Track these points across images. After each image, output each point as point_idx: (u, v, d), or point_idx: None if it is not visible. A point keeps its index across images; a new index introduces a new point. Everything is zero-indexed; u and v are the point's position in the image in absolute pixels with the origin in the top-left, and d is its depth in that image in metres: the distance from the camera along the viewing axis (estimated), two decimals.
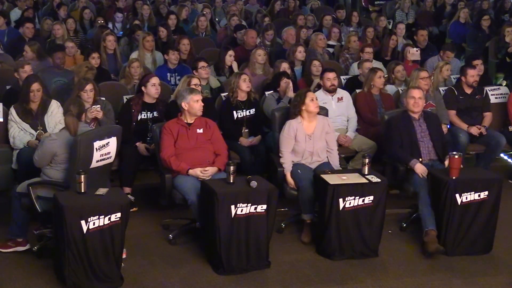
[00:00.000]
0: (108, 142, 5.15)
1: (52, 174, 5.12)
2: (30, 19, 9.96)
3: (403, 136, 5.82)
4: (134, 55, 8.42)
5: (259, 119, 6.71)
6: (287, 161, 5.62)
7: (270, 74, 7.68)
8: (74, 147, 4.96)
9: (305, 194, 5.46)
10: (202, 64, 7.06)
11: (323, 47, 8.94)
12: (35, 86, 5.94)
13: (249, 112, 6.63)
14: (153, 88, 6.29)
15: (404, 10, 12.20)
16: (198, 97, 5.57)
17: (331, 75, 6.73)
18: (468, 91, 7.02)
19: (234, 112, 6.57)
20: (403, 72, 7.53)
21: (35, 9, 11.88)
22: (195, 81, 6.31)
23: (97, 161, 5.11)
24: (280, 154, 5.67)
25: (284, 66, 7.32)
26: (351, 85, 7.53)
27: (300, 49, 8.11)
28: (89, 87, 6.06)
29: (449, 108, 6.93)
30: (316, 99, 5.70)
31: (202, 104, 5.59)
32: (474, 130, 6.82)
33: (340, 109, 6.75)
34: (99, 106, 6.08)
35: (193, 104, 5.54)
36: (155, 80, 6.34)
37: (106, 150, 5.14)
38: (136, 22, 10.10)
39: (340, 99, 6.79)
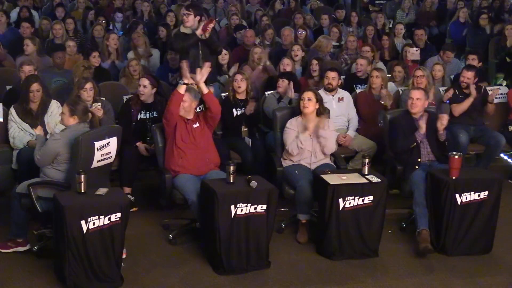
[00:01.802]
0: (109, 142, 5.16)
1: (52, 174, 5.12)
2: (28, 18, 9.96)
3: (406, 134, 5.83)
4: (130, 54, 8.49)
5: (257, 116, 6.75)
6: (292, 146, 5.66)
7: (269, 73, 7.70)
8: (75, 147, 4.97)
9: (302, 194, 5.46)
10: (182, 11, 7.07)
11: (327, 51, 8.92)
12: (35, 86, 5.94)
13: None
14: (141, 90, 6.30)
15: (405, 10, 12.21)
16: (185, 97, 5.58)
17: (331, 74, 6.75)
18: (467, 90, 7.01)
19: (234, 109, 6.61)
20: (401, 72, 7.53)
21: (35, 9, 11.88)
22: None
23: (98, 161, 5.12)
24: (286, 148, 5.70)
25: (285, 63, 7.32)
26: (349, 82, 7.55)
27: (297, 47, 8.07)
28: (88, 85, 6.06)
29: (451, 103, 6.93)
30: (309, 100, 5.70)
31: (187, 105, 5.57)
32: (472, 90, 6.80)
33: (341, 109, 6.75)
34: (99, 104, 6.09)
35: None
36: (143, 81, 6.34)
37: (106, 150, 5.16)
38: (134, 20, 10.14)
39: (341, 99, 6.80)
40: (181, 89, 5.49)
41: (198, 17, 7.03)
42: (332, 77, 6.72)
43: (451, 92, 6.88)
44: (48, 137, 5.48)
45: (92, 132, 5.17)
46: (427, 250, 5.26)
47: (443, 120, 5.78)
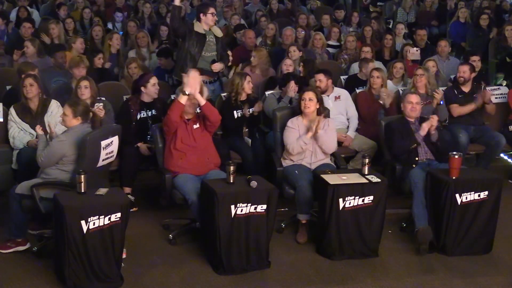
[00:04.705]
0: (112, 141, 5.21)
1: (57, 174, 5.08)
2: (28, 18, 9.97)
3: (403, 136, 5.85)
4: (131, 53, 8.50)
5: (258, 117, 6.73)
6: (294, 146, 5.64)
7: (269, 73, 7.68)
8: (83, 146, 4.98)
9: (302, 194, 5.46)
10: (212, 10, 7.13)
11: (321, 47, 8.92)
12: (28, 81, 5.93)
13: (249, 111, 6.64)
14: (153, 88, 6.31)
15: (406, 9, 12.20)
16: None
17: (317, 76, 6.72)
18: (466, 89, 7.02)
19: (235, 111, 6.59)
20: (401, 69, 7.52)
21: (36, 8, 11.89)
22: None
23: (103, 160, 5.15)
24: (287, 147, 5.69)
25: (288, 63, 7.32)
26: (351, 84, 7.54)
27: (293, 48, 8.04)
28: (83, 83, 6.05)
29: (451, 103, 6.93)
30: (310, 100, 5.70)
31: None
32: (484, 95, 6.82)
33: (339, 108, 6.73)
34: (101, 104, 6.10)
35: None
36: (154, 80, 6.35)
37: (110, 149, 5.22)
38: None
39: (337, 98, 6.79)
40: (182, 99, 5.46)
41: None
42: (318, 79, 6.69)
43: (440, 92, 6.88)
44: (48, 137, 5.47)
45: (98, 131, 5.19)
46: (427, 237, 5.29)
47: (433, 122, 5.80)
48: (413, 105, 5.93)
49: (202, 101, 5.53)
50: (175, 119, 5.50)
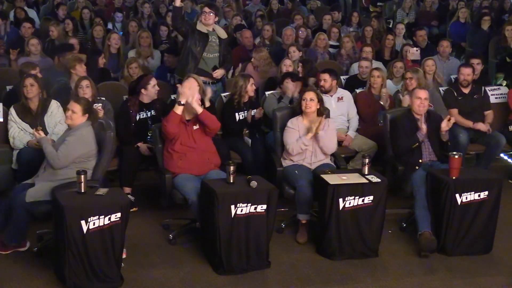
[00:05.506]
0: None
1: (74, 173, 4.98)
2: (29, 18, 9.98)
3: (408, 134, 5.83)
4: (131, 53, 8.49)
5: (260, 120, 6.72)
6: (294, 146, 5.63)
7: (272, 73, 7.68)
8: (106, 141, 5.10)
9: (302, 194, 5.45)
10: (205, 9, 7.04)
11: (324, 47, 8.93)
12: (28, 81, 5.93)
13: (252, 113, 6.62)
14: (153, 90, 6.30)
15: (405, 9, 12.21)
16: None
17: (321, 76, 6.75)
18: (466, 91, 7.01)
19: (236, 114, 6.57)
20: (401, 69, 7.52)
21: (31, 6, 11.91)
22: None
23: None
24: (286, 147, 5.69)
25: (287, 63, 7.32)
26: (351, 84, 7.54)
27: (293, 49, 8.05)
28: (84, 83, 6.06)
29: (451, 107, 6.92)
30: (311, 100, 5.70)
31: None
32: (482, 127, 6.80)
33: (341, 109, 6.75)
34: (100, 104, 6.11)
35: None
36: (154, 81, 6.34)
37: None
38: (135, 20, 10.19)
39: (340, 98, 6.79)
40: (178, 109, 5.45)
41: (216, 18, 7.25)
42: (323, 79, 6.70)
43: None
44: (48, 137, 5.45)
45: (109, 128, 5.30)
46: (431, 242, 5.28)
47: (450, 121, 5.78)
48: (421, 101, 5.89)
49: (199, 110, 5.48)
50: (173, 131, 5.47)
